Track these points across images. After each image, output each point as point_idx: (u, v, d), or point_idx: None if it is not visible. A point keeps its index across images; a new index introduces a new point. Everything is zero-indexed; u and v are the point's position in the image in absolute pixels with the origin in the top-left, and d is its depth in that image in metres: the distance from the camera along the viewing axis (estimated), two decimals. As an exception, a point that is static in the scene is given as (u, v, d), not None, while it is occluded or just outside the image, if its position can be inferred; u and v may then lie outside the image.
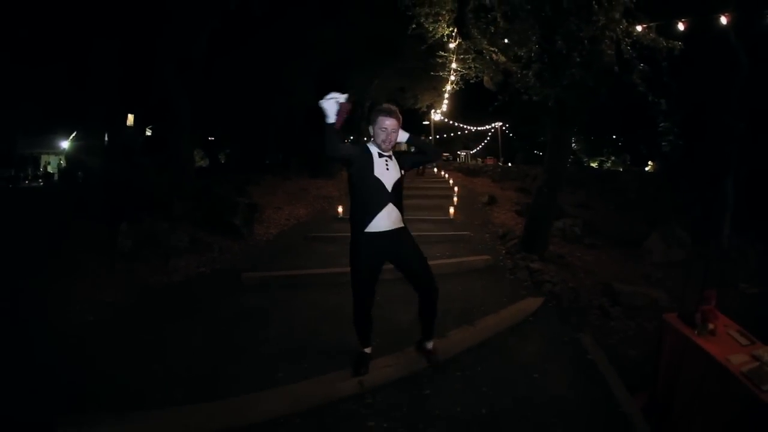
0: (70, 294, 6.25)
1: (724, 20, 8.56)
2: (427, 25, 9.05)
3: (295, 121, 22.77)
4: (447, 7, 8.57)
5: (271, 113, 20.67)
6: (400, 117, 4.05)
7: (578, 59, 7.40)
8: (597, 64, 7.55)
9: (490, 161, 38.55)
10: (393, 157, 4.09)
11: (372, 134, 4.02)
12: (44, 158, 32.54)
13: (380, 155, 3.99)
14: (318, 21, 16.23)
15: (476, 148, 43.88)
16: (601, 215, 15.97)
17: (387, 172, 3.96)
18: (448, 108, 21.45)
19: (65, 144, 31.39)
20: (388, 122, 3.93)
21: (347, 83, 21.99)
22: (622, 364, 5.38)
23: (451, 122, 27.83)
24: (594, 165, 38.83)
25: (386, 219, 3.93)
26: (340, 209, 12.39)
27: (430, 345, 4.47)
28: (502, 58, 8.55)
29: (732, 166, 13.99)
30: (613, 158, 38.21)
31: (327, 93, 3.67)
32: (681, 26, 8.40)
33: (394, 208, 3.99)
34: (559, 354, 5.23)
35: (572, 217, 13.53)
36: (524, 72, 8.14)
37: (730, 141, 13.97)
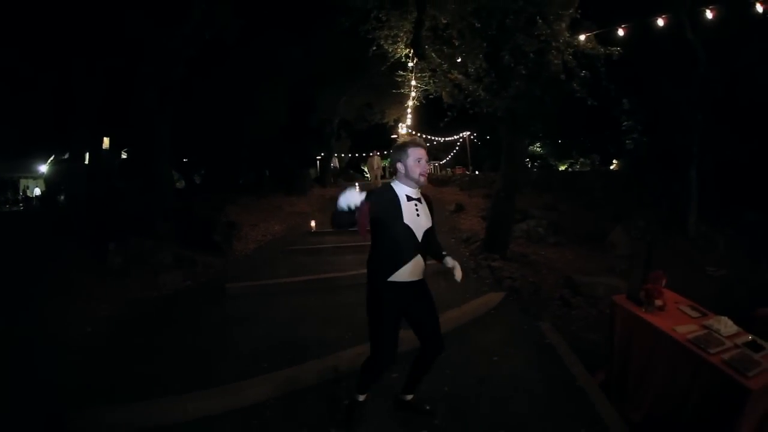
0: (67, 309, 6.70)
1: (661, 22, 9.20)
2: (386, 47, 9.61)
3: (268, 140, 22.86)
4: (404, 29, 9.15)
5: (243, 133, 20.95)
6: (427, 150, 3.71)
7: (524, 72, 8.07)
8: (544, 74, 8.21)
9: (459, 171, 38.94)
10: (423, 201, 3.71)
11: (403, 171, 3.61)
12: (23, 182, 32.25)
13: (409, 198, 3.60)
14: (287, 42, 16.59)
15: (446, 158, 44.10)
16: (568, 215, 16.37)
17: (417, 219, 3.59)
18: (414, 121, 21.80)
19: (43, 168, 31.33)
20: (421, 152, 3.60)
21: (317, 100, 22.53)
22: (583, 347, 5.85)
23: (418, 134, 28.36)
24: (563, 168, 39.38)
25: (412, 270, 3.58)
26: (312, 224, 13.10)
27: (409, 397, 4.13)
28: (456, 75, 9.13)
29: (694, 157, 14.67)
30: (581, 160, 38.72)
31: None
32: (621, 32, 9.05)
33: (421, 260, 3.64)
34: (518, 340, 5.73)
35: (536, 218, 14.06)
36: (474, 86, 8.75)
37: (690, 133, 14.60)
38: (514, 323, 6.36)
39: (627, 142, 23.38)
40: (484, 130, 37.62)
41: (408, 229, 3.51)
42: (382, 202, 3.48)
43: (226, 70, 15.38)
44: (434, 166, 41.52)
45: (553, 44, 8.06)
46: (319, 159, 31.13)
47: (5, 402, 4.16)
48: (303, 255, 10.18)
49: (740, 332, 4.18)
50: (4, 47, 12.47)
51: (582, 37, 8.61)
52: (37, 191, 30.82)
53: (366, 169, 26.98)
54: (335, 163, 29.28)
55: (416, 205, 3.60)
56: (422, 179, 3.58)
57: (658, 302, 4.66)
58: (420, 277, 3.68)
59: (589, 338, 6.34)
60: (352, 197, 3.13)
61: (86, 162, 18.87)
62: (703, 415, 3.79)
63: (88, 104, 11.52)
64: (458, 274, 3.68)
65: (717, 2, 9.14)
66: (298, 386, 4.45)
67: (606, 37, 9.01)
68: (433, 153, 43.59)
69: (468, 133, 38.34)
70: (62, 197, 23.36)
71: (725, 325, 4.25)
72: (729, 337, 4.07)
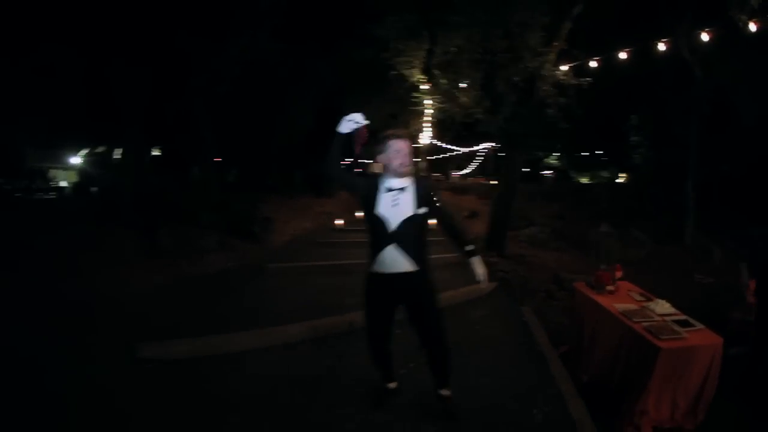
0: (127, 279, 8.05)
1: (662, 46, 10.05)
2: (403, 71, 11.05)
3: (296, 144, 24.40)
4: (419, 57, 10.64)
5: (274, 136, 22.44)
6: (411, 141, 3.82)
7: (513, 98, 9.54)
8: (531, 100, 9.65)
9: (480, 180, 40.14)
10: (411, 190, 3.66)
11: (385, 164, 3.71)
12: (53, 172, 32.81)
13: (389, 189, 3.63)
14: (315, 56, 17.89)
15: (468, 168, 45.10)
16: (573, 224, 17.58)
17: (393, 209, 3.57)
18: (435, 132, 22.97)
19: (74, 159, 32.78)
20: (402, 143, 3.66)
21: (343, 109, 23.83)
22: (555, 328, 7.06)
23: (442, 145, 29.19)
24: (584, 180, 40.22)
25: (388, 261, 3.59)
26: (338, 222, 14.71)
27: (445, 392, 4.09)
28: (463, 98, 10.61)
29: (689, 170, 15.54)
30: (602, 173, 39.51)
31: (341, 117, 3.59)
32: (593, 63, 10.22)
33: (399, 251, 3.58)
34: (500, 318, 6.99)
35: (540, 225, 15.35)
36: (474, 109, 10.26)
37: (686, 148, 15.51)
38: (499, 306, 7.62)
39: (634, 156, 24.31)
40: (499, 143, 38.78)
41: (379, 219, 3.57)
42: (364, 185, 3.73)
43: (259, 79, 16.37)
44: (457, 175, 42.36)
45: (541, 74, 9.49)
46: (345, 164, 32.52)
47: (91, 336, 5.47)
48: (328, 247, 11.72)
49: (676, 313, 4.99)
50: (51, 41, 13.39)
51: (565, 67, 9.99)
52: (64, 182, 31.69)
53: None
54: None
55: (397, 195, 3.61)
56: (402, 170, 3.63)
57: (610, 287, 5.65)
58: (403, 270, 3.61)
59: (562, 322, 7.43)
60: (356, 116, 3.53)
61: (116, 157, 20.29)
62: (628, 374, 4.66)
63: (136, 107, 12.82)
64: (480, 276, 3.82)
65: (712, 24, 9.81)
66: (321, 333, 5.90)
67: (608, 61, 10.31)
68: (457, 163, 44.41)
69: (492, 144, 39.53)
70: (95, 188, 24.23)
71: (661, 306, 5.11)
72: (661, 315, 4.91)
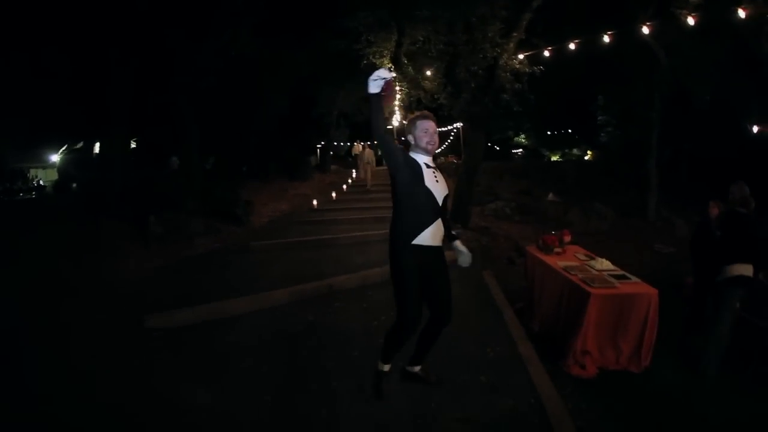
0: (124, 263, 8.93)
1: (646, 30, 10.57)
2: (374, 60, 11.84)
3: (272, 130, 25.05)
4: (388, 48, 11.45)
5: (250, 124, 23.01)
6: (435, 121, 3.83)
7: (473, 85, 10.42)
8: (491, 86, 10.55)
9: (451, 159, 40.74)
10: (437, 169, 3.81)
11: (413, 142, 3.77)
12: (33, 171, 32.26)
13: (427, 166, 3.68)
14: (290, 45, 18.41)
15: (441, 147, 45.55)
16: (538, 199, 18.28)
17: (437, 184, 3.66)
18: (404, 115, 23.58)
19: (54, 157, 32.41)
20: (430, 123, 3.73)
21: (317, 95, 24.53)
22: (512, 289, 7.79)
23: (455, 127, 29.76)
24: (555, 158, 40.99)
25: (434, 234, 3.63)
26: (314, 202, 15.47)
27: (417, 368, 4.26)
28: (428, 84, 11.52)
29: (652, 149, 16.38)
30: (573, 150, 40.27)
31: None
32: (546, 53, 10.95)
33: (441, 225, 3.70)
34: (462, 281, 7.47)
35: (506, 200, 16.13)
36: (438, 94, 11.19)
37: (648, 128, 16.36)
38: (462, 271, 8.20)
39: (601, 135, 25.17)
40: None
41: (429, 193, 3.59)
42: (404, 158, 3.61)
43: (239, 72, 16.99)
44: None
45: (499, 63, 10.40)
46: (319, 147, 32.87)
47: (101, 315, 6.25)
48: (307, 225, 12.60)
49: (614, 269, 5.61)
50: (35, 41, 13.88)
51: (521, 56, 10.87)
52: (41, 181, 31.16)
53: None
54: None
55: (434, 172, 3.70)
56: (430, 147, 3.70)
57: (557, 249, 6.37)
58: (440, 243, 3.74)
59: (520, 284, 8.00)
60: (381, 72, 3.38)
61: (96, 152, 20.63)
62: (568, 319, 5.25)
63: (122, 102, 13.31)
64: (464, 262, 3.95)
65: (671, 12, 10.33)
66: (304, 296, 6.80)
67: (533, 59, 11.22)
68: None
69: (461, 124, 40.06)
70: (74, 185, 24.93)
71: (600, 263, 5.77)
72: (599, 270, 5.54)
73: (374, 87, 3.37)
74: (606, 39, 10.13)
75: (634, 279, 5.33)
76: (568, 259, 6.12)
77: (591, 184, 20.97)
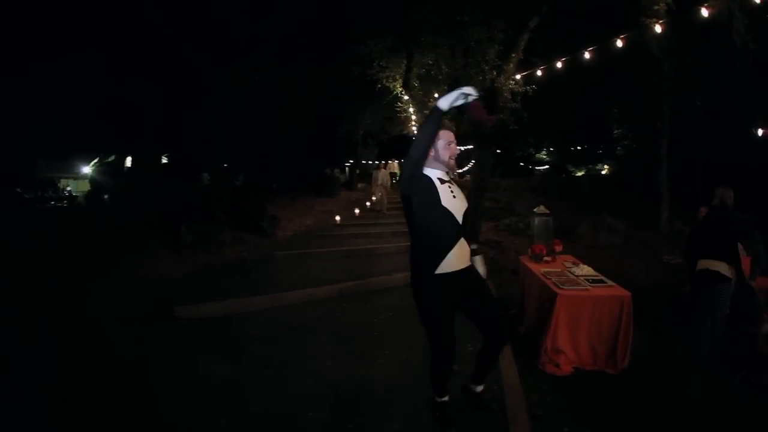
0: (155, 268, 9.80)
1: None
2: (387, 84, 12.70)
3: (301, 149, 26.05)
4: (399, 72, 12.28)
5: (278, 142, 24.22)
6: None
7: None
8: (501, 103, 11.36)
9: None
10: (453, 182, 3.55)
11: (433, 154, 3.44)
12: (63, 181, 34.18)
13: (442, 181, 3.41)
14: (315, 66, 19.24)
15: (467, 165, 45.42)
16: (555, 215, 18.68)
17: (454, 201, 3.39)
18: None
19: (86, 169, 33.80)
20: (451, 135, 3.50)
21: (343, 115, 25.47)
22: (513, 298, 7.92)
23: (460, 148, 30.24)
24: (580, 173, 40.93)
25: (458, 257, 3.39)
26: (337, 218, 16.21)
27: (479, 388, 4.03)
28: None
29: (662, 161, 16.34)
30: (598, 166, 40.31)
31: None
32: (539, 72, 11.66)
33: (465, 244, 3.46)
34: None
35: (520, 215, 16.59)
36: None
37: (656, 139, 16.38)
38: None
39: (618, 148, 25.30)
40: (502, 139, 40.47)
41: (447, 213, 3.33)
42: (419, 189, 3.34)
43: (261, 92, 17.71)
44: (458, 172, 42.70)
45: (498, 84, 11.24)
46: (348, 166, 33.56)
47: (136, 308, 7.18)
48: (328, 238, 13.45)
49: (595, 275, 5.82)
50: (71, 53, 14.45)
51: (518, 77, 11.64)
52: (72, 191, 32.98)
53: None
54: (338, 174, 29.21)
55: (450, 186, 3.44)
56: (452, 162, 3.48)
57: (546, 258, 6.61)
58: (468, 263, 3.52)
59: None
60: (465, 89, 3.12)
61: (128, 165, 22.01)
62: (542, 319, 5.51)
63: (155, 120, 14.35)
64: (482, 274, 3.70)
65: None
66: (316, 297, 7.70)
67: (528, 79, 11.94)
68: (459, 161, 45.15)
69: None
70: (106, 196, 25.92)
71: (581, 269, 6.02)
72: (578, 275, 5.76)
73: (446, 103, 3.11)
74: (588, 55, 10.63)
75: (609, 283, 5.51)
76: (553, 267, 6.39)
77: (607, 198, 21.10)
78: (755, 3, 8.92)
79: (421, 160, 3.24)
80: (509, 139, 41.81)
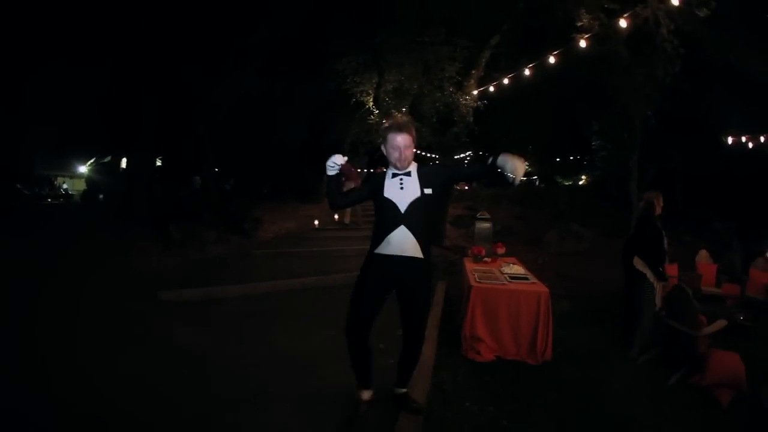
0: (144, 263, 10.88)
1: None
2: (362, 98, 13.64)
3: (289, 156, 26.77)
4: (371, 87, 13.31)
5: (268, 149, 25.13)
6: (413, 131, 3.70)
7: (434, 119, 12.44)
8: (455, 120, 12.45)
9: (464, 186, 41.54)
10: (414, 175, 3.67)
11: (386, 155, 3.69)
12: (60, 180, 34.45)
13: (394, 175, 3.67)
14: (303, 79, 20.00)
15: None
16: (530, 223, 19.68)
17: (401, 192, 3.61)
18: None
19: (82, 168, 34.80)
20: (400, 138, 3.58)
21: (331, 123, 26.36)
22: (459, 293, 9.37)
23: (424, 154, 30.72)
24: (568, 184, 41.70)
25: (395, 243, 3.57)
26: (316, 222, 17.37)
27: (401, 391, 4.10)
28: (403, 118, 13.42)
29: (631, 171, 15.25)
30: (579, 176, 41.64)
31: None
32: (492, 88, 12.61)
33: (408, 233, 3.58)
34: None
35: (489, 221, 17.49)
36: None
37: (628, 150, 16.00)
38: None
39: (596, 159, 26.08)
40: (485, 150, 41.27)
41: (388, 202, 3.59)
42: (374, 183, 3.72)
43: (248, 104, 18.75)
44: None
45: (459, 100, 12.36)
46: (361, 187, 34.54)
47: (125, 292, 8.29)
48: (304, 240, 14.61)
49: (522, 273, 6.26)
50: (71, 56, 15.61)
51: (475, 92, 12.70)
52: (68, 189, 33.71)
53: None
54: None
55: (401, 180, 3.63)
56: (399, 165, 3.62)
57: (486, 259, 7.29)
58: (409, 254, 3.61)
59: None
60: (335, 158, 3.54)
61: (123, 166, 22.23)
62: (465, 309, 5.81)
63: (149, 125, 15.41)
64: (510, 170, 3.46)
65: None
66: (280, 288, 8.84)
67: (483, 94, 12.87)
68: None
69: (470, 152, 40.91)
70: (101, 195, 27.11)
71: (510, 268, 6.54)
72: (503, 273, 6.26)
73: (330, 170, 3.60)
74: (528, 72, 11.35)
75: (532, 280, 5.94)
76: (487, 266, 6.91)
77: (583, 208, 21.96)
78: (677, 6, 9.34)
79: (342, 205, 3.93)
80: (489, 150, 42.99)
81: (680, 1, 9.23)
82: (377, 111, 13.53)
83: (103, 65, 15.88)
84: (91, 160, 34.27)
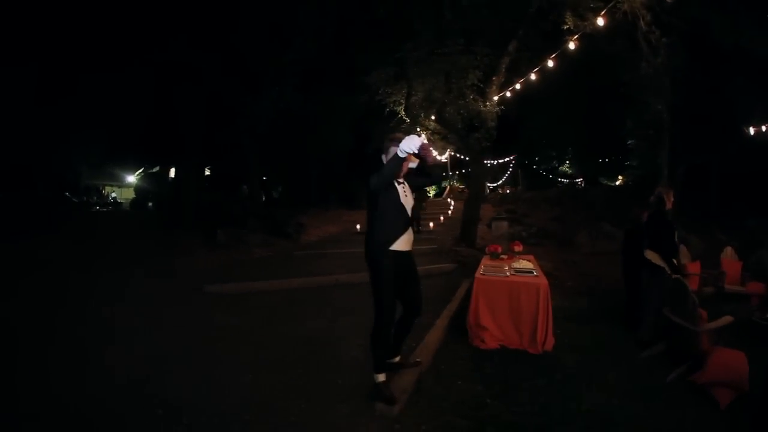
0: (193, 262, 12.00)
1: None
2: (394, 108, 14.34)
3: (335, 164, 28.08)
4: (402, 98, 13.97)
5: (314, 158, 26.55)
6: None
7: (460, 126, 13.06)
8: (480, 126, 13.01)
9: (506, 190, 41.13)
10: (406, 184, 4.28)
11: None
12: (108, 188, 35.93)
13: (398, 183, 4.16)
14: (338, 92, 20.97)
15: (502, 178, 45.15)
16: (567, 225, 19.51)
17: (406, 199, 4.19)
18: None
19: (131, 178, 35.92)
20: (395, 150, 3.77)
21: (373, 132, 27.14)
22: None
23: (458, 156, 30.42)
24: (612, 184, 40.80)
25: (406, 241, 4.18)
26: (357, 227, 18.27)
27: (397, 359, 4.71)
28: (429, 125, 14.21)
29: (661, 168, 16.36)
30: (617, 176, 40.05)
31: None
32: (509, 94, 13.04)
33: (411, 232, 4.28)
34: (446, 282, 9.69)
35: (527, 225, 17.96)
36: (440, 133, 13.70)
37: (658, 148, 16.55)
38: (450, 278, 10.31)
39: (630, 159, 26.08)
40: (527, 153, 41.57)
41: (403, 208, 4.15)
42: (385, 190, 4.07)
43: (290, 117, 19.49)
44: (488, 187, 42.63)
45: (482, 107, 12.80)
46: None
47: (176, 287, 9.34)
48: (345, 242, 15.59)
49: (529, 268, 6.36)
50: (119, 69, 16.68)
51: (495, 98, 13.06)
52: (117, 198, 35.33)
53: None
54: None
55: (404, 187, 4.22)
56: (399, 177, 4.15)
57: (503, 256, 7.36)
58: (410, 248, 4.30)
59: None
60: (415, 141, 3.61)
61: (171, 176, 24.16)
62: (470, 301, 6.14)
63: (196, 137, 16.48)
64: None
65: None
66: (314, 284, 9.73)
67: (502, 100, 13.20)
68: (492, 174, 44.27)
69: (515, 155, 40.51)
70: (150, 203, 28.30)
71: (519, 263, 6.67)
72: (510, 267, 6.43)
73: (403, 153, 3.66)
74: (527, 78, 11.82)
75: (536, 274, 6.12)
76: (501, 262, 6.97)
77: (618, 208, 20.37)
78: None
79: (386, 183, 4.01)
80: (532, 153, 43.18)
81: None
82: (407, 120, 14.10)
83: (149, 83, 17.14)
84: (140, 170, 35.44)
